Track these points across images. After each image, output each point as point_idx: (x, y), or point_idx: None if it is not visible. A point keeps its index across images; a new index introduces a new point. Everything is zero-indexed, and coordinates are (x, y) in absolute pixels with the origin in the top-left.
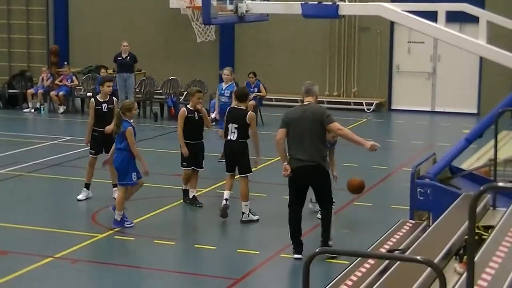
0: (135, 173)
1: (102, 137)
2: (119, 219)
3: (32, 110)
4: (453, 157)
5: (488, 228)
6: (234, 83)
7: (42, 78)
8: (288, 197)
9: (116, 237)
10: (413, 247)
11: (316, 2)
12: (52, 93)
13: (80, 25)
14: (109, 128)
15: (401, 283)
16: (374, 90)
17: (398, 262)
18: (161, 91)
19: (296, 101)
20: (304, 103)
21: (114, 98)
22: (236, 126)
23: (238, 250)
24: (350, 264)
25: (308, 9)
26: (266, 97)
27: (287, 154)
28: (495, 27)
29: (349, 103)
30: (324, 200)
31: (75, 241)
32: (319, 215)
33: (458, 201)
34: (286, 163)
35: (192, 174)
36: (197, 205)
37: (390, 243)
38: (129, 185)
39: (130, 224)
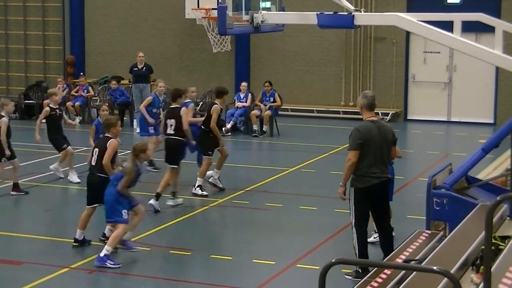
0: (125, 210)
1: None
2: (102, 255)
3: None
4: (469, 167)
5: (505, 238)
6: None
7: (58, 89)
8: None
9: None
10: (429, 257)
11: (331, 12)
12: (68, 103)
13: (96, 36)
14: None
15: None
16: (390, 100)
17: (414, 272)
18: None
19: (312, 111)
20: (374, 120)
21: None
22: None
23: (254, 260)
24: (367, 274)
25: (324, 19)
26: (282, 107)
27: (356, 173)
28: (511, 37)
29: None
30: (388, 211)
31: (91, 252)
32: None
33: (474, 211)
34: (344, 188)
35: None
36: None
37: (407, 253)
38: (119, 222)
39: (115, 264)
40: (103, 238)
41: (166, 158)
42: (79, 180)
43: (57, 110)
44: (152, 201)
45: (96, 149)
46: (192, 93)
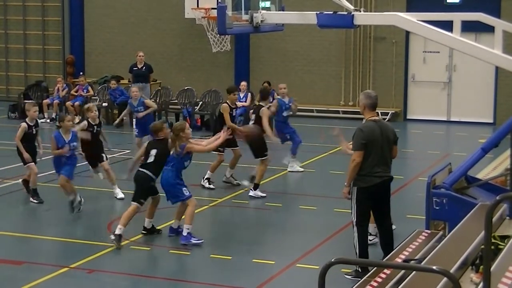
0: (185, 188)
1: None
2: (185, 234)
3: (48, 121)
4: (469, 167)
5: (505, 238)
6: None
7: (58, 89)
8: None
9: (132, 247)
10: (429, 257)
11: (331, 12)
12: (68, 103)
13: (95, 35)
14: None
15: None
16: (390, 99)
17: (414, 272)
18: (176, 101)
19: (312, 110)
20: (376, 119)
21: None
22: None
23: (254, 260)
24: (366, 274)
25: (324, 19)
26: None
27: (359, 173)
28: (511, 37)
29: None
30: (389, 210)
31: (90, 251)
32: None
33: (474, 211)
34: (349, 188)
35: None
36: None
37: (406, 253)
38: (184, 200)
39: (198, 240)
40: (144, 232)
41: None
42: (123, 196)
43: (95, 127)
44: (251, 193)
45: (154, 150)
46: (280, 90)
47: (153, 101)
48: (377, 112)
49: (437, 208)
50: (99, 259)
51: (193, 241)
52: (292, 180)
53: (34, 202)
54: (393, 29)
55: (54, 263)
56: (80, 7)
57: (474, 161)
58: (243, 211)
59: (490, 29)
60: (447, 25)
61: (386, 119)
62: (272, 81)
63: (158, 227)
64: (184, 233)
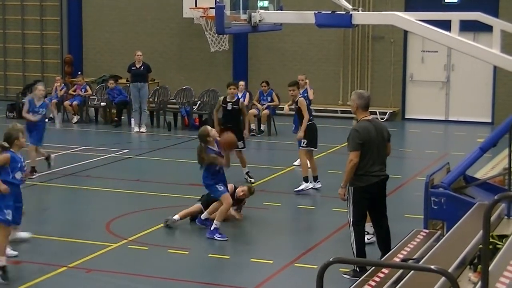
0: (219, 184)
1: None
2: (212, 228)
3: (46, 120)
4: (467, 166)
5: (503, 237)
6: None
7: (56, 88)
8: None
9: (130, 246)
10: (427, 256)
11: (329, 12)
12: (66, 102)
13: (94, 35)
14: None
15: None
16: (388, 99)
17: (412, 272)
18: (174, 100)
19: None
20: (369, 119)
21: None
22: None
23: (252, 259)
24: (364, 274)
25: (322, 18)
26: (280, 106)
27: (356, 173)
28: (509, 36)
29: None
30: (385, 209)
31: (89, 251)
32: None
33: (472, 210)
34: (345, 189)
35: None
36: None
37: (404, 253)
38: (218, 196)
39: (222, 237)
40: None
41: (312, 142)
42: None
43: None
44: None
45: None
46: (299, 81)
47: (150, 100)
48: (369, 112)
49: (435, 207)
50: (97, 258)
51: (217, 237)
52: (290, 179)
53: None
54: (391, 29)
55: (52, 263)
56: (78, 7)
57: (472, 161)
58: (242, 211)
59: (488, 28)
60: (446, 25)
61: (384, 119)
62: (271, 81)
63: (157, 226)
64: (212, 228)
